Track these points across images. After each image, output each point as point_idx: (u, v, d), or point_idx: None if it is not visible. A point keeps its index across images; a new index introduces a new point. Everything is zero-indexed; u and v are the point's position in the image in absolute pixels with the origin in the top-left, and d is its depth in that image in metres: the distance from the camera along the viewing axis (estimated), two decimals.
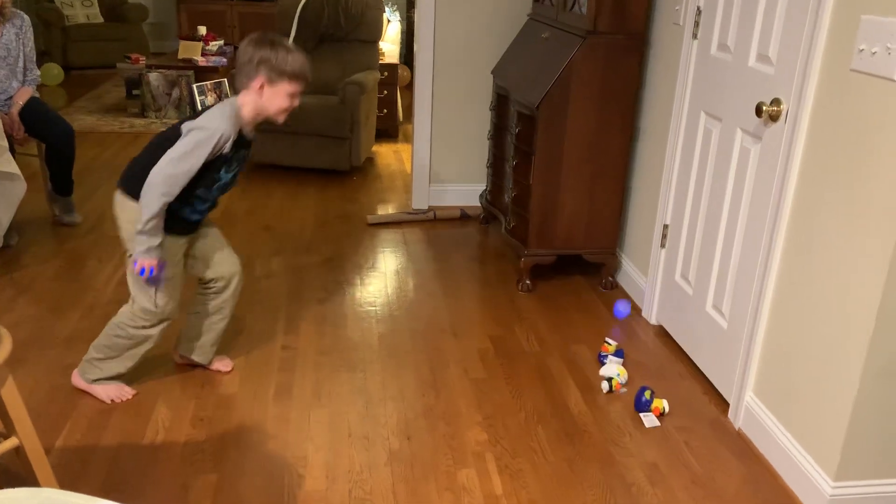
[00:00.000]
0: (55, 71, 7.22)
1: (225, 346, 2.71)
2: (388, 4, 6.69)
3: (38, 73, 3.72)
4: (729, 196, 2.45)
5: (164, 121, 6.02)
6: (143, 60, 6.54)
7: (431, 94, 4.02)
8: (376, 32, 5.20)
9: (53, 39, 7.66)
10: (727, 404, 2.45)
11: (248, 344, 2.74)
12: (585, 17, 2.95)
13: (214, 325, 2.47)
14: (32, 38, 3.63)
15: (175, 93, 6.10)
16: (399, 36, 6.74)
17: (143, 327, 2.29)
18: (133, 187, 2.13)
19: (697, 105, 2.65)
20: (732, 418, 2.39)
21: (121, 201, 2.19)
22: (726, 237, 2.47)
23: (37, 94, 3.69)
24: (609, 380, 2.53)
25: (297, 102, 2.20)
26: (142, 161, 2.17)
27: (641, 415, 2.41)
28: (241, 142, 2.19)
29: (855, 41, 1.84)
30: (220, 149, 2.10)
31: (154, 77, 6.04)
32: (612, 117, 3.07)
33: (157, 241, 2.11)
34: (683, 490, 2.09)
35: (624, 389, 2.53)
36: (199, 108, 6.09)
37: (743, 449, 2.27)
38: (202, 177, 2.14)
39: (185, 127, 2.10)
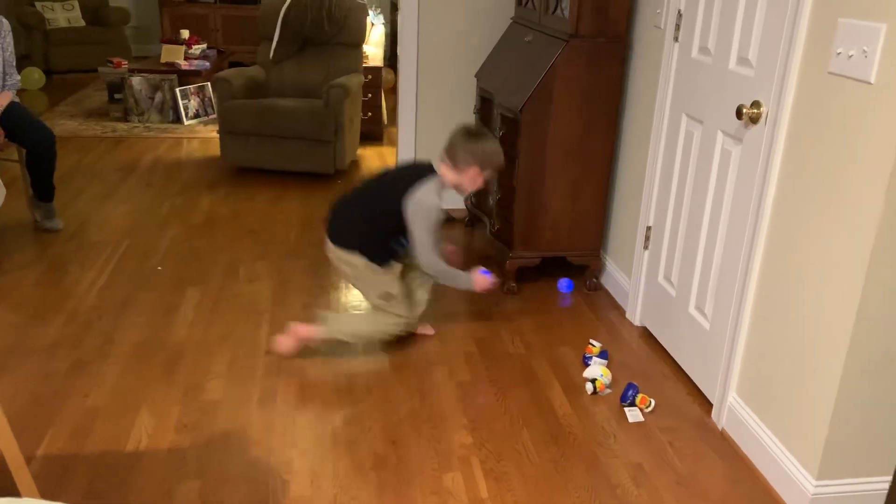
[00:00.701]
0: (36, 75, 7.16)
1: (207, 351, 2.70)
2: (371, 8, 6.68)
3: (19, 77, 3.69)
4: (710, 198, 2.46)
5: (147, 125, 5.99)
6: (125, 64, 6.50)
7: (415, 97, 4.02)
8: (360, 36, 5.20)
9: (34, 43, 7.60)
10: (710, 404, 2.47)
11: (233, 349, 2.73)
12: (567, 21, 2.97)
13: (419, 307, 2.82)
14: (12, 42, 3.60)
15: (158, 97, 6.07)
16: (383, 39, 6.73)
17: (399, 326, 2.69)
18: (348, 243, 2.60)
19: (679, 107, 2.66)
20: (716, 418, 2.41)
21: (345, 255, 2.62)
22: (708, 239, 2.48)
23: (17, 99, 3.65)
24: (593, 381, 2.54)
25: (485, 184, 2.68)
26: (354, 219, 2.63)
27: (626, 409, 2.43)
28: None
29: (832, 44, 1.86)
30: None
31: (136, 81, 6.00)
32: (594, 120, 3.09)
33: (459, 273, 2.69)
34: (668, 490, 2.10)
35: (608, 390, 2.54)
36: (183, 112, 6.07)
37: (726, 449, 2.29)
38: (405, 230, 2.59)
39: (408, 208, 2.52)
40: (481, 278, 2.73)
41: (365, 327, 2.70)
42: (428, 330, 2.89)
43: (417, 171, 2.59)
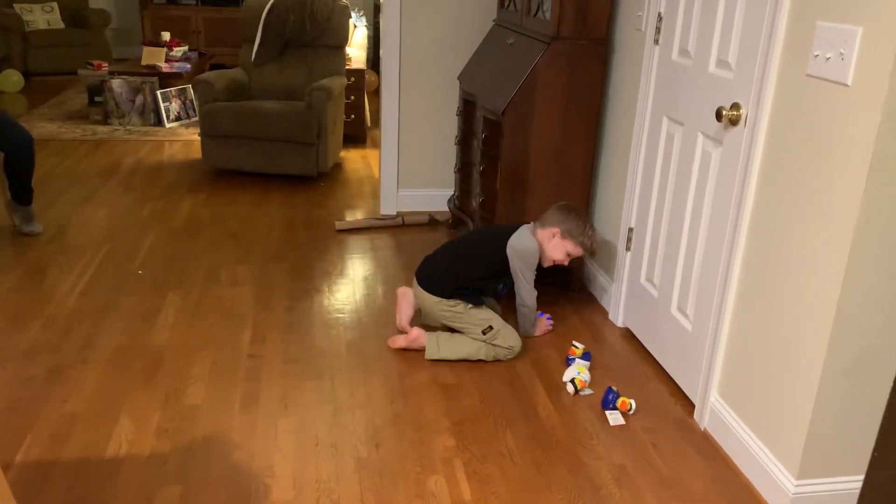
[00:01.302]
0: (15, 77, 7.09)
1: (188, 355, 2.68)
2: (354, 10, 6.68)
3: None
4: (691, 200, 2.48)
5: (128, 128, 5.94)
6: (105, 67, 6.44)
7: (398, 99, 4.01)
8: (342, 38, 5.19)
9: (13, 45, 7.52)
10: (693, 405, 2.48)
11: (214, 353, 2.71)
12: (549, 23, 2.97)
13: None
14: None
15: (139, 99, 6.03)
16: (366, 41, 6.73)
17: (511, 355, 2.75)
18: (446, 291, 2.73)
19: (660, 110, 2.68)
20: (698, 419, 2.42)
21: (446, 303, 2.73)
22: (689, 240, 2.50)
23: None
24: (572, 381, 2.55)
25: (566, 260, 2.84)
26: (452, 270, 2.79)
27: (607, 412, 2.43)
28: None
29: (810, 47, 1.87)
30: None
31: (117, 83, 5.96)
32: (576, 122, 3.10)
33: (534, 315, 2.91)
34: (650, 491, 2.10)
35: (589, 391, 2.55)
36: (164, 114, 6.03)
37: (708, 449, 2.30)
38: (502, 275, 2.81)
39: (511, 253, 2.75)
40: (543, 322, 2.94)
41: (468, 352, 2.72)
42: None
43: (511, 227, 2.83)
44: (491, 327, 2.70)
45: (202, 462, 2.14)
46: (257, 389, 2.50)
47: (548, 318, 2.95)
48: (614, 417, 2.41)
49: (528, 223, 2.84)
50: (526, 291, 2.81)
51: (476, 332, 2.71)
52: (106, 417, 2.32)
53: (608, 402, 2.44)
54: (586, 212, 2.79)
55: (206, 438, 2.24)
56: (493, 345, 2.70)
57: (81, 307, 3.00)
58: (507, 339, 2.72)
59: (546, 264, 2.83)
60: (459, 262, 2.82)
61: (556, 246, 2.77)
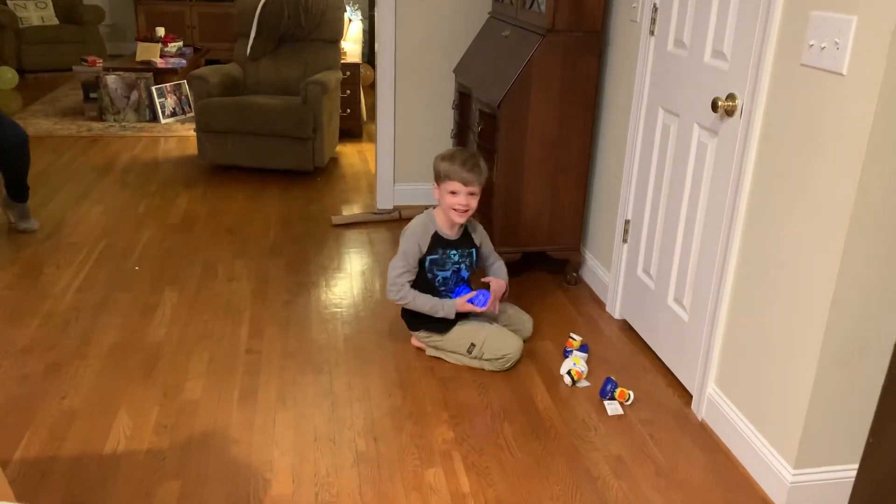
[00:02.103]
0: (9, 75, 7.06)
1: (186, 350, 2.68)
2: (349, 4, 6.65)
3: None
4: (688, 190, 2.48)
5: (123, 124, 5.92)
6: (100, 63, 6.43)
7: (394, 93, 4.00)
8: (338, 32, 5.17)
9: (7, 42, 7.49)
10: (690, 396, 2.49)
11: (212, 348, 2.71)
12: (544, 16, 2.97)
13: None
14: None
15: (134, 95, 6.01)
16: (361, 35, 6.71)
17: (508, 363, 2.62)
18: (408, 324, 2.73)
19: (655, 101, 2.68)
20: (695, 410, 2.43)
21: (422, 337, 2.72)
22: (686, 231, 2.50)
23: None
24: (568, 372, 2.55)
25: (463, 200, 2.57)
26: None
27: (605, 402, 2.44)
28: (442, 242, 2.66)
29: (805, 36, 1.87)
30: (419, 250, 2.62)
31: (112, 80, 5.94)
32: (572, 114, 3.10)
33: (422, 299, 2.65)
34: (647, 482, 2.11)
35: (586, 382, 2.55)
36: (159, 110, 6.01)
37: (706, 440, 2.31)
38: (435, 288, 2.68)
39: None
40: (460, 300, 2.63)
41: (463, 360, 2.66)
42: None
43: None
44: (473, 345, 2.60)
45: (201, 457, 2.14)
46: (255, 384, 2.50)
47: (479, 294, 2.62)
48: (613, 408, 2.42)
49: None
50: (388, 274, 2.62)
51: (462, 353, 2.63)
52: (104, 413, 2.32)
53: (606, 392, 2.45)
54: (455, 149, 2.69)
55: (204, 433, 2.25)
56: (485, 359, 2.60)
57: (78, 304, 3.00)
58: (496, 349, 2.59)
59: (455, 220, 2.61)
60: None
61: (443, 195, 2.59)
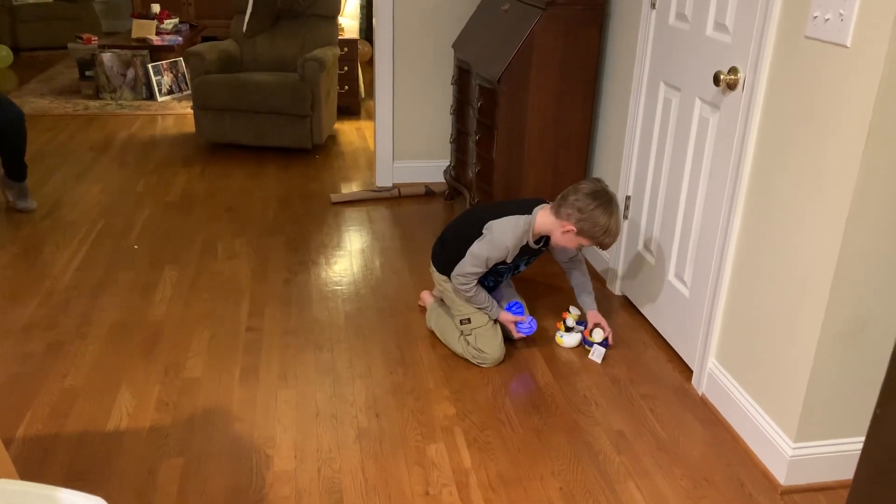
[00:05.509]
0: (3, 53, 7.00)
1: (187, 329, 2.68)
2: None
3: None
4: (689, 166, 2.46)
5: (120, 102, 5.88)
6: (95, 40, 6.36)
7: (392, 69, 3.97)
8: (335, 7, 5.12)
9: (1, 20, 7.41)
10: (691, 371, 2.49)
11: (213, 327, 2.71)
12: None
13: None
14: None
15: (130, 73, 5.96)
16: (359, 11, 6.64)
17: (482, 361, 2.54)
18: (436, 263, 2.65)
19: (657, 75, 2.65)
20: (696, 384, 2.43)
21: (435, 276, 2.67)
22: (687, 207, 2.49)
23: None
24: (589, 344, 2.61)
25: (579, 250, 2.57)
26: (447, 242, 2.65)
27: (591, 349, 2.59)
28: (528, 251, 2.54)
29: (809, 8, 1.85)
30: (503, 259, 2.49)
31: (107, 57, 5.88)
32: (573, 89, 3.07)
33: (488, 301, 2.57)
34: (649, 456, 2.12)
35: (600, 345, 2.60)
36: (156, 88, 5.97)
37: (706, 414, 2.32)
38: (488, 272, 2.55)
39: (486, 231, 2.46)
40: (510, 318, 2.58)
41: (449, 339, 2.61)
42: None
43: (516, 205, 2.51)
44: (469, 320, 2.53)
45: (203, 434, 2.15)
46: (256, 362, 2.51)
47: (529, 322, 2.60)
48: (597, 354, 2.56)
49: (545, 202, 2.49)
50: (461, 266, 2.48)
51: (455, 317, 2.57)
52: (106, 392, 2.33)
53: (587, 341, 2.61)
54: (614, 200, 2.38)
55: (206, 411, 2.25)
56: (467, 341, 2.53)
57: (78, 283, 3.00)
58: (483, 342, 2.50)
59: (571, 249, 2.55)
60: (452, 239, 2.62)
61: (569, 239, 2.42)
